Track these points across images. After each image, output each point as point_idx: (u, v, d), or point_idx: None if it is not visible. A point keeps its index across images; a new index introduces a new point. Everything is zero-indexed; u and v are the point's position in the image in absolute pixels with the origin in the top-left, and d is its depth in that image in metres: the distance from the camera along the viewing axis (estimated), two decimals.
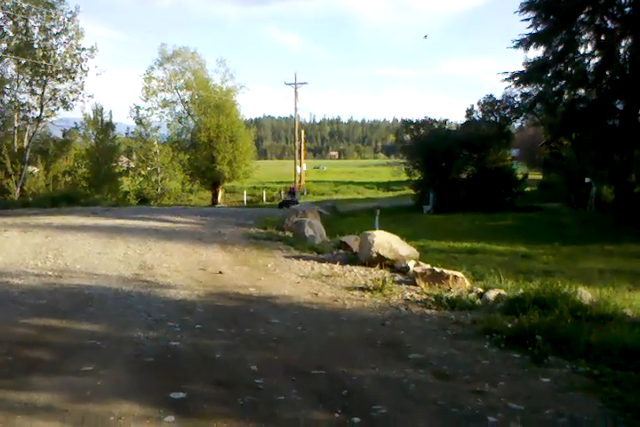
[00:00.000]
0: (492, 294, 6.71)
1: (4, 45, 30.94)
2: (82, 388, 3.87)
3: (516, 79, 21.35)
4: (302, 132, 48.81)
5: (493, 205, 22.66)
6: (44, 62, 29.94)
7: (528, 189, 29.04)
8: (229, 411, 3.60)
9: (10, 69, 31.54)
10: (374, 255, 8.89)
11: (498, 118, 27.94)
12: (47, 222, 13.58)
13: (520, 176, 27.46)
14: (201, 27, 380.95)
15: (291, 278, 8.10)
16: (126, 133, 39.85)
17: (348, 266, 8.99)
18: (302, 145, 47.93)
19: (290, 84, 43.04)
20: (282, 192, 41.77)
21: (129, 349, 4.76)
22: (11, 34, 31.00)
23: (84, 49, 31.32)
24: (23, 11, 30.06)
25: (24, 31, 30.80)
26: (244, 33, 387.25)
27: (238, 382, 4.08)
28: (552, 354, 4.71)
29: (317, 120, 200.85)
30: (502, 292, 6.78)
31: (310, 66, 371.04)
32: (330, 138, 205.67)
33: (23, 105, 31.81)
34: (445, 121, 30.80)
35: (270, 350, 4.84)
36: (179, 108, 41.77)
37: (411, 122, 30.35)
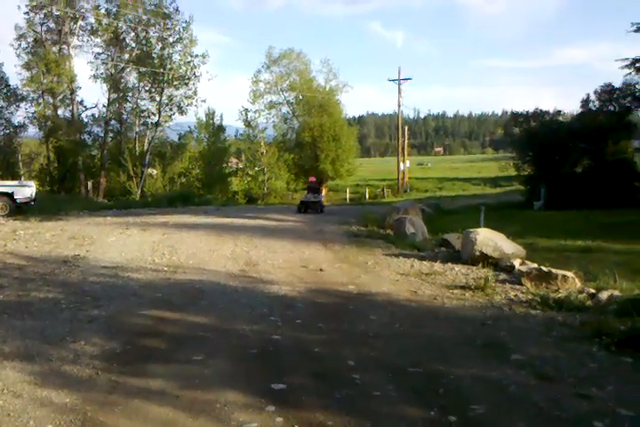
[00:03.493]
0: (604, 295, 6.32)
1: (127, 56, 33.56)
2: (192, 376, 4.16)
3: (637, 65, 19.70)
4: (405, 128, 48.32)
5: (612, 200, 21.06)
6: (161, 70, 32.06)
7: None
8: (327, 403, 3.71)
9: (132, 78, 34.21)
10: (477, 253, 8.67)
11: (617, 108, 25.91)
12: (164, 221, 14.57)
13: None
14: (307, 27, 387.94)
15: (390, 276, 8.12)
16: (235, 135, 41.55)
17: (449, 264, 8.85)
18: (405, 142, 47.46)
19: (393, 81, 42.74)
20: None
21: (234, 340, 5.03)
22: (133, 44, 33.57)
23: (196, 56, 33.25)
24: (143, 22, 32.41)
25: (144, 42, 33.18)
26: (348, 31, 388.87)
27: (336, 376, 4.19)
28: None
29: (422, 116, 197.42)
30: (616, 293, 6.37)
31: (415, 61, 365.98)
32: (435, 133, 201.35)
33: (143, 111, 34.31)
34: (559, 112, 29.13)
35: (367, 347, 4.91)
36: (284, 109, 43.04)
37: (520, 114, 29.02)
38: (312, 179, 22.95)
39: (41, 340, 4.91)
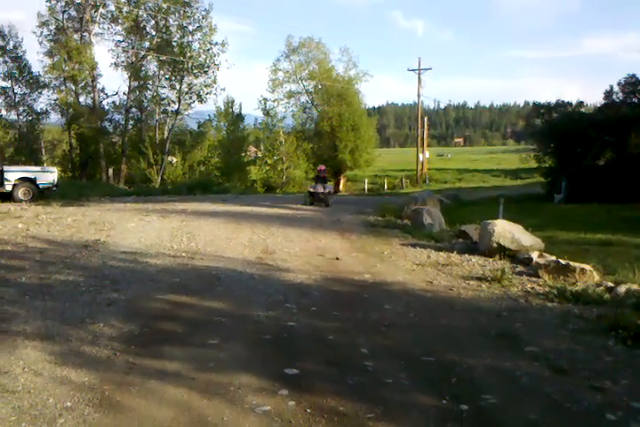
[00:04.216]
0: (622, 289, 6.26)
1: (147, 44, 33.66)
2: (207, 359, 4.23)
3: None
4: (425, 118, 47.94)
5: (635, 194, 20.71)
6: (181, 59, 32.12)
7: None
8: (339, 389, 3.75)
9: (152, 66, 34.36)
10: (494, 245, 8.62)
11: None
12: (183, 208, 14.69)
13: None
14: (327, 17, 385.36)
15: (406, 266, 8.11)
16: (254, 124, 41.53)
17: (466, 255, 8.81)
18: (425, 132, 47.09)
19: (413, 71, 42.38)
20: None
21: (250, 326, 5.09)
22: (153, 33, 33.65)
23: (216, 44, 33.20)
24: (163, 10, 32.44)
25: (164, 30, 33.23)
26: (368, 21, 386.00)
27: (349, 364, 4.22)
28: None
29: (442, 106, 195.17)
30: (635, 287, 6.30)
31: (435, 51, 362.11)
32: (455, 124, 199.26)
33: (163, 99, 34.46)
34: (581, 103, 28.66)
35: (381, 335, 4.94)
36: (303, 98, 42.90)
37: (542, 105, 28.61)
38: (322, 167, 19.90)
39: (61, 321, 5.02)
